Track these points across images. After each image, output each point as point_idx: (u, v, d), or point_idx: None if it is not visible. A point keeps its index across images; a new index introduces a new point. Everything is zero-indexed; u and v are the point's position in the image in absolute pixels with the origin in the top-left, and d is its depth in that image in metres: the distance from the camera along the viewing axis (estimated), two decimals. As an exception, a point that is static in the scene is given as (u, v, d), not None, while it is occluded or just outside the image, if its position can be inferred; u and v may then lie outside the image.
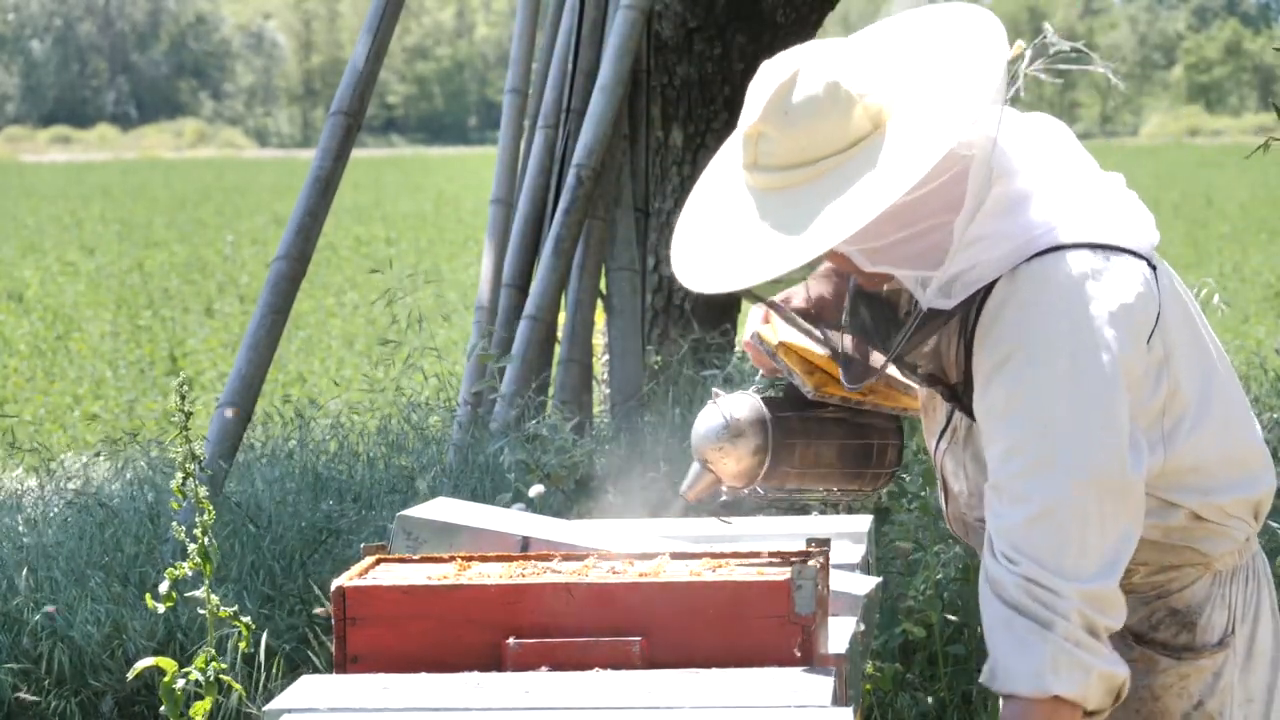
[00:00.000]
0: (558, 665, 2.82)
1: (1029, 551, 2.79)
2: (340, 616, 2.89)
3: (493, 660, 2.85)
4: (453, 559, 3.08)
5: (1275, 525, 6.57)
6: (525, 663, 2.83)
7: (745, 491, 3.21)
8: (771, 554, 3.04)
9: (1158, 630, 3.00)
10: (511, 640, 2.85)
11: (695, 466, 3.20)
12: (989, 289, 2.86)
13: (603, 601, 2.86)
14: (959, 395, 2.96)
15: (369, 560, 3.07)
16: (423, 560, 3.08)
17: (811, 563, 2.91)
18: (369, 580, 2.96)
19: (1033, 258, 2.85)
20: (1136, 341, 2.85)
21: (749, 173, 2.90)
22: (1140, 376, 2.86)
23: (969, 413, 2.94)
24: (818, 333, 3.10)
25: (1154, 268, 2.91)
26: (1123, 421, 2.82)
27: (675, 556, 3.03)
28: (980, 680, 2.86)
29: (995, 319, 2.85)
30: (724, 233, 2.94)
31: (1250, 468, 2.97)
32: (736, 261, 2.90)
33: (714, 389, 3.26)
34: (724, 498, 3.23)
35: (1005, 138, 2.89)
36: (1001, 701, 2.83)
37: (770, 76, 2.88)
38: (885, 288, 3.01)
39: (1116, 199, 2.96)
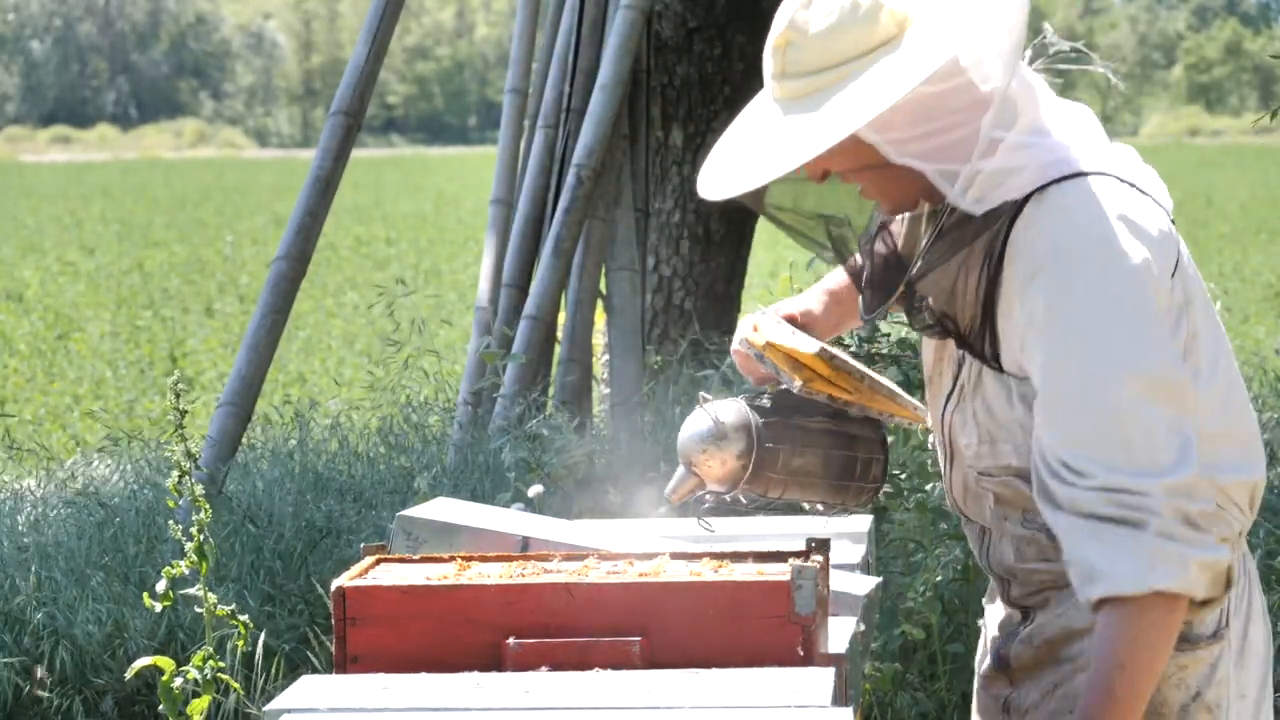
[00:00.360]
0: (558, 665, 2.82)
1: (1100, 458, 2.78)
2: (340, 616, 2.89)
3: (493, 660, 2.85)
4: (453, 559, 3.08)
5: (1271, 525, 6.57)
6: (525, 663, 2.83)
7: (728, 497, 3.21)
8: (772, 554, 3.05)
9: None
10: (511, 640, 2.85)
11: (680, 469, 3.21)
12: (1017, 211, 2.89)
13: (603, 601, 2.86)
14: (969, 340, 2.96)
15: (369, 560, 3.07)
16: (423, 560, 3.08)
17: (811, 563, 2.91)
18: (369, 580, 2.96)
19: (1063, 180, 2.89)
20: (1163, 270, 2.87)
21: (777, 83, 2.95)
22: (1166, 306, 2.87)
23: (981, 355, 2.94)
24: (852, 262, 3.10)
25: (1171, 221, 2.96)
26: (1163, 323, 2.84)
27: (675, 556, 3.03)
28: (1077, 592, 2.83)
29: (1027, 234, 2.88)
30: (745, 139, 2.99)
31: (1249, 451, 2.98)
32: (757, 159, 2.94)
33: (701, 393, 3.27)
34: (707, 504, 3.24)
35: (1034, 77, 2.96)
36: (1099, 615, 2.81)
37: None
38: (906, 218, 3.01)
39: (1137, 162, 3.01)
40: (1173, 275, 2.89)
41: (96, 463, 7.53)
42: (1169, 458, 2.79)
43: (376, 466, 7.10)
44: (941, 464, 3.16)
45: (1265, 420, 8.30)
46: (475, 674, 2.82)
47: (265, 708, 2.64)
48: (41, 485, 7.27)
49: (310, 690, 2.73)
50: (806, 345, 3.17)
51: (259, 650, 5.79)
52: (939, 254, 2.94)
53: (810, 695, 2.65)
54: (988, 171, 2.88)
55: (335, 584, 2.91)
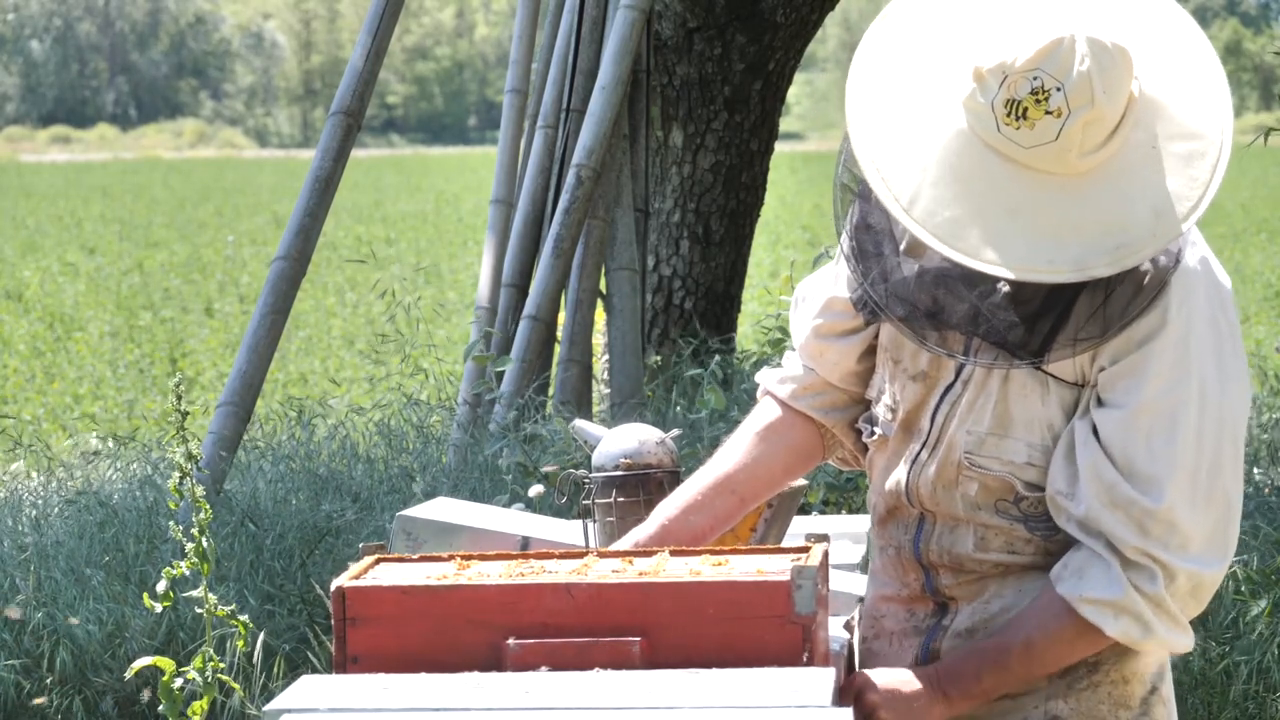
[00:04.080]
0: (558, 665, 2.81)
1: (1173, 523, 2.87)
2: (340, 617, 2.89)
3: (493, 660, 2.85)
4: (452, 558, 3.08)
5: (1271, 526, 6.57)
6: (525, 662, 2.83)
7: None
8: (771, 549, 3.05)
9: None
10: (511, 640, 2.84)
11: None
12: None
13: (602, 601, 2.85)
14: (1022, 345, 2.91)
15: (368, 560, 3.06)
16: (422, 560, 3.08)
17: (811, 561, 2.91)
18: (368, 580, 2.95)
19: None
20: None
21: (1080, 159, 2.78)
22: None
23: (1019, 351, 2.89)
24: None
25: None
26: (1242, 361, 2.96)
27: (675, 554, 3.03)
28: (1055, 579, 2.94)
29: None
30: (1069, 213, 2.80)
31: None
32: (1143, 226, 2.80)
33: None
34: None
35: None
36: (1055, 600, 2.93)
37: (1042, 43, 2.76)
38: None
39: None
40: None
41: (97, 462, 7.53)
42: (1225, 552, 2.92)
43: (376, 467, 7.10)
44: (904, 457, 3.11)
45: (1265, 420, 8.30)
46: (475, 674, 2.81)
47: (265, 708, 2.64)
48: (42, 485, 7.27)
49: (310, 690, 2.73)
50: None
51: (259, 650, 5.79)
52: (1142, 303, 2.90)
53: (810, 695, 2.65)
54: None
55: (335, 584, 2.91)
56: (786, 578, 2.82)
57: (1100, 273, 2.77)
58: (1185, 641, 2.94)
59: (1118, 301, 2.86)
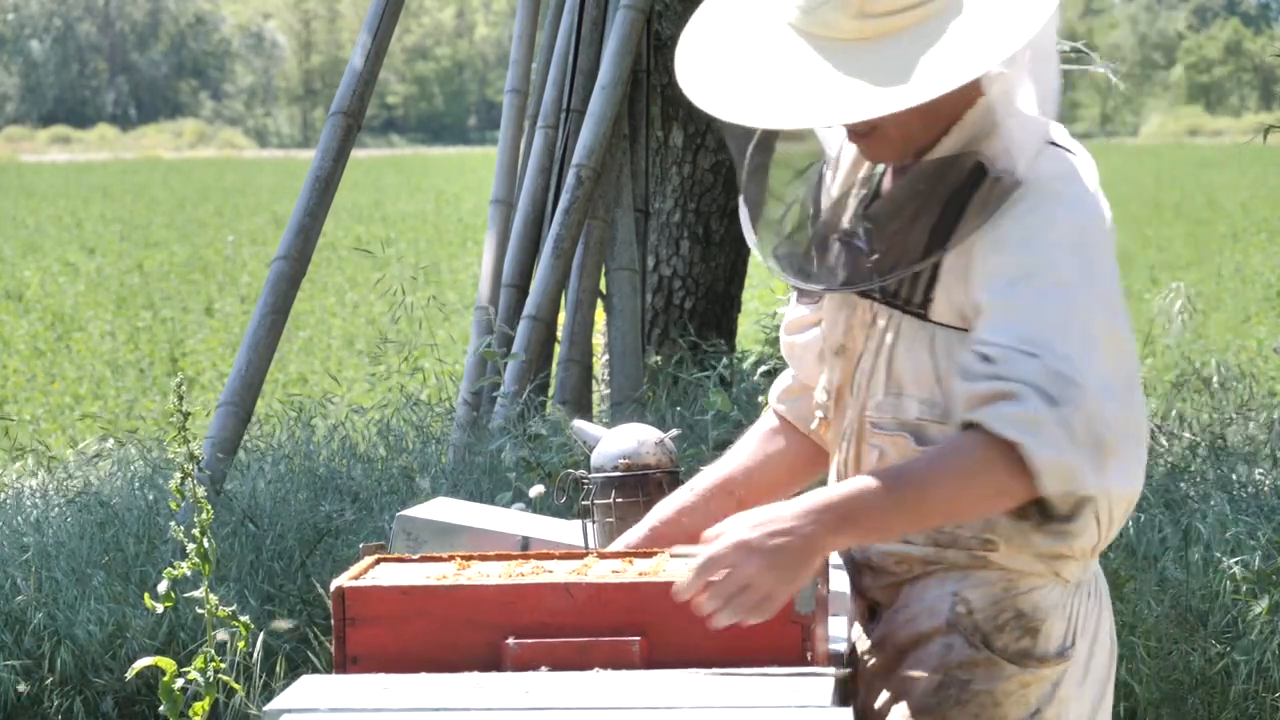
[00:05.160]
0: (557, 665, 2.82)
1: (1055, 354, 2.78)
2: (340, 617, 2.89)
3: (492, 660, 2.85)
4: (452, 558, 3.08)
5: (1271, 525, 6.57)
6: (525, 662, 2.83)
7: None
8: None
9: (1002, 632, 2.94)
10: (511, 640, 2.85)
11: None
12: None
13: (602, 601, 2.86)
14: (898, 290, 2.93)
15: (368, 560, 3.07)
16: (422, 560, 3.08)
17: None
18: (368, 581, 2.96)
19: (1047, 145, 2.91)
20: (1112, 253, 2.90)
21: (854, 22, 2.85)
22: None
23: (907, 304, 2.92)
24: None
25: None
26: (1117, 280, 2.87)
27: (675, 555, 3.03)
28: (959, 399, 2.82)
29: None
30: (809, 72, 2.86)
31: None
32: (868, 91, 2.82)
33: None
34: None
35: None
36: (959, 434, 2.81)
37: None
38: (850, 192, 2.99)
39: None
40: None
41: (97, 463, 7.53)
42: (1096, 383, 2.78)
43: (376, 467, 7.10)
44: (835, 442, 3.10)
45: (1265, 420, 8.29)
46: (475, 674, 2.82)
47: (265, 708, 2.64)
48: (43, 484, 7.27)
49: (310, 690, 2.73)
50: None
51: (259, 650, 5.79)
52: (990, 210, 2.90)
53: (810, 695, 2.65)
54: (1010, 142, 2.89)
55: (335, 584, 2.91)
56: None
57: (862, 115, 2.81)
58: (1092, 479, 2.79)
59: (954, 217, 2.88)
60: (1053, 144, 2.93)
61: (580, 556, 3.09)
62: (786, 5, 2.90)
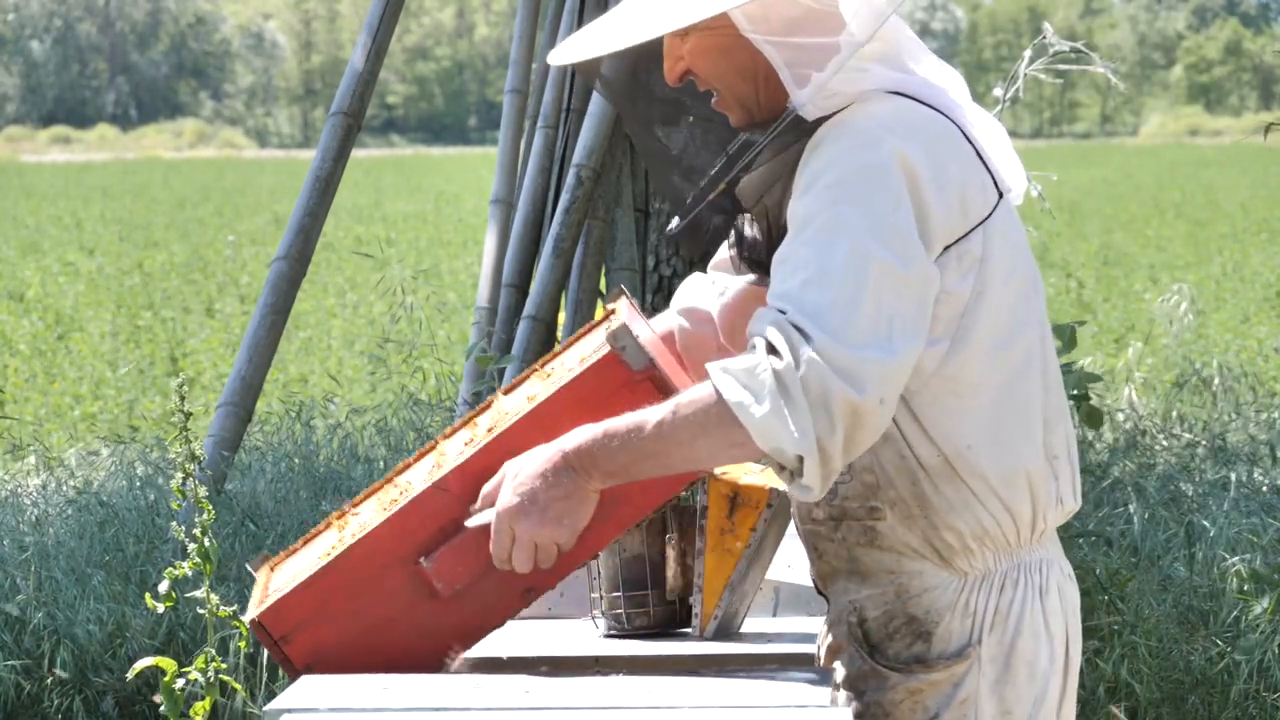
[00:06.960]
0: (476, 556, 2.82)
1: (801, 307, 2.74)
2: (271, 644, 2.88)
3: (424, 589, 2.85)
4: (329, 524, 3.06)
5: (1274, 525, 6.57)
6: (449, 573, 2.84)
7: None
8: (584, 334, 3.07)
9: (893, 640, 2.90)
10: (423, 560, 2.86)
11: None
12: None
13: (472, 476, 2.87)
14: (763, 259, 2.93)
15: (262, 576, 3.04)
16: (306, 544, 3.06)
17: (618, 323, 2.92)
18: (272, 596, 2.93)
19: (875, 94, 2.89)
20: (942, 190, 2.82)
21: None
22: (943, 229, 2.82)
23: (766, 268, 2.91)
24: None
25: (1000, 195, 2.91)
26: (908, 221, 2.78)
27: (505, 393, 3.04)
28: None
29: (821, 129, 2.88)
30: (618, 10, 2.97)
31: (1018, 466, 2.89)
32: (621, 25, 2.92)
33: None
34: None
35: (902, 25, 2.94)
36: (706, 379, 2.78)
37: None
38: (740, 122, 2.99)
39: (993, 128, 2.98)
40: (972, 218, 2.84)
41: (97, 463, 7.54)
42: (861, 336, 2.72)
43: (376, 467, 7.10)
44: None
45: (1264, 420, 8.30)
46: (475, 674, 2.82)
47: (265, 708, 2.64)
48: (43, 484, 7.28)
49: (310, 690, 2.73)
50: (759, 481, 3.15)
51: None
52: (775, 150, 2.91)
53: (810, 695, 2.66)
54: (830, 83, 2.87)
55: (246, 619, 2.90)
56: (608, 349, 2.85)
57: (578, 56, 2.95)
58: (800, 438, 2.71)
59: (772, 135, 2.90)
60: (898, 94, 2.88)
61: (430, 451, 3.09)
62: None
